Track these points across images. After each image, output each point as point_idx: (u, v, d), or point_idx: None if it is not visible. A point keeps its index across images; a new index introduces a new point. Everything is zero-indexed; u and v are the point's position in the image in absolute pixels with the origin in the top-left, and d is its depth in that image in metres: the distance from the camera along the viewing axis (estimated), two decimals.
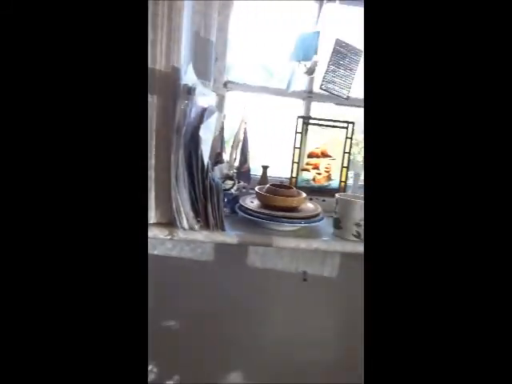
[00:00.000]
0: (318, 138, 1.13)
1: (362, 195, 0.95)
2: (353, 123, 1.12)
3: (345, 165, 1.15)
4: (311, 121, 1.12)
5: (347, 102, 1.11)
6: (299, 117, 1.11)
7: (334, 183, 1.16)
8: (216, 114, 0.84)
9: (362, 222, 0.88)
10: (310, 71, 1.02)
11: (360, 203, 0.88)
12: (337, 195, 0.92)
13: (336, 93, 1.07)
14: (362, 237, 0.89)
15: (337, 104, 1.13)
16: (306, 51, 1.01)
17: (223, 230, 0.86)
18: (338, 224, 0.91)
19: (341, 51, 1.02)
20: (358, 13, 1.08)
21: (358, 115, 1.24)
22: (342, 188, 1.16)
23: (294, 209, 0.94)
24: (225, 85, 1.09)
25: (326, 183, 1.16)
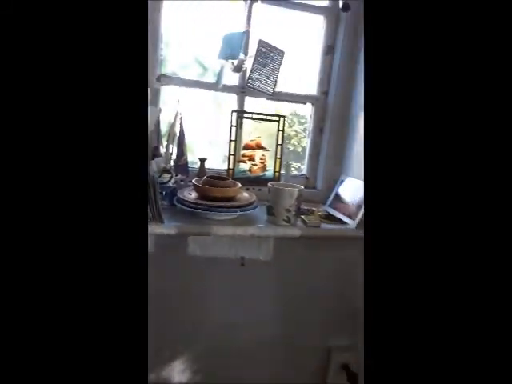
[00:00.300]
0: (252, 131, 1.20)
1: (294, 184, 1.03)
2: (284, 117, 1.20)
3: (278, 156, 1.23)
4: (245, 115, 1.18)
5: (275, 96, 1.18)
6: (233, 111, 1.16)
7: (269, 173, 1.24)
8: (149, 109, 0.86)
9: (292, 208, 0.97)
10: (237, 69, 1.08)
11: (289, 191, 0.96)
12: (269, 184, 1.00)
13: (262, 90, 1.13)
14: (292, 221, 0.98)
15: (267, 99, 1.19)
16: (232, 50, 1.06)
17: (161, 222, 0.89)
18: (270, 211, 0.99)
19: (263, 51, 1.09)
20: (279, 13, 1.15)
21: (292, 109, 1.32)
22: (277, 178, 1.24)
23: (230, 199, 0.99)
24: (158, 79, 1.10)
25: (261, 173, 1.24)
